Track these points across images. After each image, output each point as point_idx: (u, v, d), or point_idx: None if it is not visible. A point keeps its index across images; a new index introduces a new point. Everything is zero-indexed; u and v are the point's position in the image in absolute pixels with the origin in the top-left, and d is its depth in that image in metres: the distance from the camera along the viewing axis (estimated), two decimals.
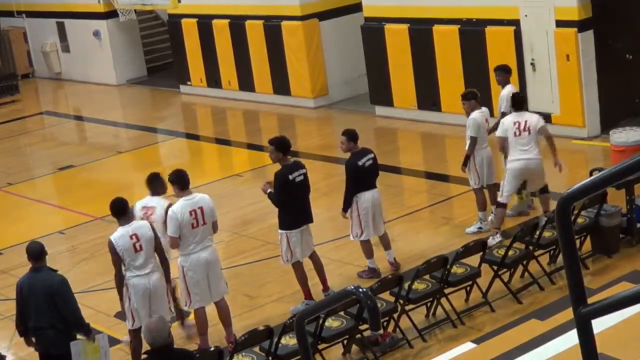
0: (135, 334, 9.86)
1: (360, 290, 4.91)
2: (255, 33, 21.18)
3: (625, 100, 16.23)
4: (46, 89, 27.59)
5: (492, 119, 12.90)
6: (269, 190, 10.93)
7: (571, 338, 5.06)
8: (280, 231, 11.00)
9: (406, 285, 10.16)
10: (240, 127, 21.29)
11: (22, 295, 9.22)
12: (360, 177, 11.44)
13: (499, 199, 12.23)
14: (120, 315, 10.38)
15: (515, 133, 12.02)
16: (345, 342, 9.90)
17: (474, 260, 10.69)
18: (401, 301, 10.10)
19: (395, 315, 10.06)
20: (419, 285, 10.28)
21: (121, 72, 26.10)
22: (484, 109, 12.64)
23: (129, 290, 9.78)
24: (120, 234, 9.72)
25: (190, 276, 10.13)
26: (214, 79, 22.58)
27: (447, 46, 17.56)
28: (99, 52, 26.12)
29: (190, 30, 22.81)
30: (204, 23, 22.33)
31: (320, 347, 9.64)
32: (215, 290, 10.28)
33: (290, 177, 10.81)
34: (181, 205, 10.06)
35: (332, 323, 9.69)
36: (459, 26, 17.33)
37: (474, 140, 12.43)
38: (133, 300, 9.77)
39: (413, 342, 10.00)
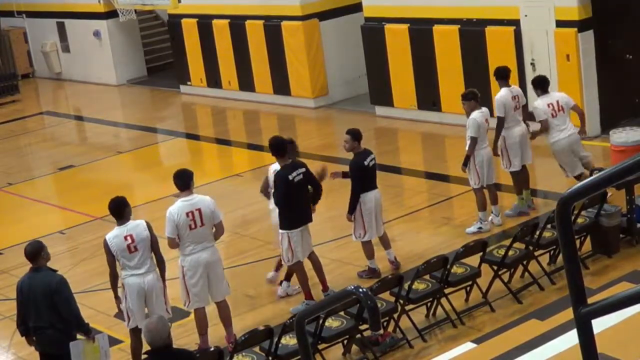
0: (134, 333, 9.86)
1: (360, 290, 4.91)
2: (255, 33, 21.18)
3: (625, 100, 16.23)
4: (46, 89, 27.59)
5: (492, 119, 12.91)
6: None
7: (571, 338, 5.06)
8: (280, 231, 11.00)
9: (406, 285, 10.16)
10: (240, 127, 21.30)
11: (22, 295, 9.23)
12: (365, 177, 11.44)
13: (574, 174, 12.71)
14: (120, 315, 10.39)
15: (552, 114, 12.57)
16: (345, 342, 9.91)
17: (474, 260, 10.70)
18: (401, 301, 10.11)
19: (395, 315, 10.07)
20: (419, 285, 10.29)
21: (121, 72, 26.10)
22: (484, 109, 12.64)
23: (125, 290, 9.80)
24: (114, 234, 9.74)
25: (189, 276, 10.13)
26: (214, 79, 22.58)
27: (447, 46, 17.56)
28: (99, 52, 26.12)
29: (190, 30, 22.81)
30: (204, 23, 22.33)
31: (320, 347, 9.64)
32: (216, 290, 10.28)
33: (290, 177, 10.81)
34: (178, 207, 10.06)
35: (332, 323, 9.69)
36: (459, 26, 17.33)
37: (474, 141, 12.44)
38: (128, 300, 9.79)
39: (413, 342, 10.00)
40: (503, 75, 13.08)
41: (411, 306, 10.25)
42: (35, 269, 9.21)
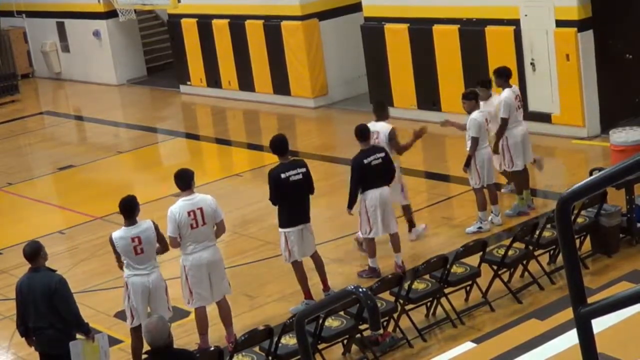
0: (135, 333, 9.86)
1: (360, 290, 4.92)
2: (255, 33, 21.18)
3: (625, 100, 16.22)
4: (46, 88, 27.59)
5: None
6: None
7: (571, 338, 5.05)
8: (279, 230, 11.01)
9: (406, 285, 10.16)
10: (240, 127, 21.30)
11: (21, 296, 9.23)
12: (365, 175, 11.41)
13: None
14: (121, 315, 10.38)
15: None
16: (345, 342, 9.90)
17: (474, 260, 10.69)
18: (401, 301, 10.10)
19: (395, 315, 10.06)
20: (419, 285, 10.28)
21: (121, 72, 26.10)
22: (484, 109, 12.64)
23: (128, 289, 9.81)
24: (120, 236, 9.74)
25: (191, 275, 10.14)
26: (214, 79, 22.58)
27: (447, 46, 17.55)
28: (99, 52, 26.12)
29: (190, 30, 22.81)
30: (204, 23, 22.33)
31: (320, 347, 9.64)
32: (217, 289, 10.28)
33: (283, 176, 10.79)
34: (179, 206, 10.06)
35: (332, 323, 9.69)
36: (459, 26, 17.33)
37: (475, 141, 12.42)
38: (132, 299, 9.79)
39: (413, 341, 10.00)
40: (504, 76, 13.06)
41: (411, 306, 10.25)
42: (35, 269, 9.20)
